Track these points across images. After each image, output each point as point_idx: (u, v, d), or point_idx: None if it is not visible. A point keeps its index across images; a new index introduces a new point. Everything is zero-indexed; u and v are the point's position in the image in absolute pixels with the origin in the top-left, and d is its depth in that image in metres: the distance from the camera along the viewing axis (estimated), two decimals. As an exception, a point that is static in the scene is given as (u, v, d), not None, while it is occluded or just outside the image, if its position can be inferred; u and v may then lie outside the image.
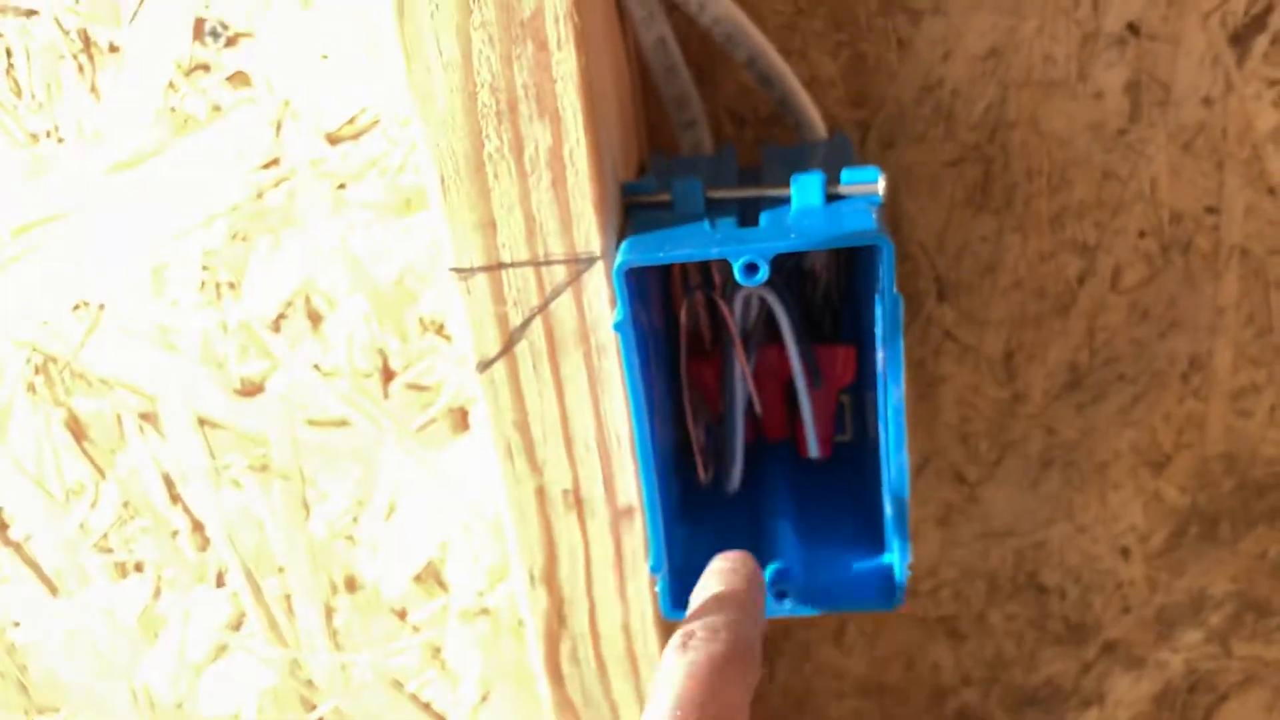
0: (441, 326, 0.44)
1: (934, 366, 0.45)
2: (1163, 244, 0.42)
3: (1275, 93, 0.40)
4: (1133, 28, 0.39)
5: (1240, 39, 0.39)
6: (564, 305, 0.33)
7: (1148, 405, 0.45)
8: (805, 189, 0.32)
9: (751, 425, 0.40)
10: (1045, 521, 0.48)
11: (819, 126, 0.38)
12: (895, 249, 0.31)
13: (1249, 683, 0.51)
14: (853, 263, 0.38)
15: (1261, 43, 0.39)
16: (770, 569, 0.35)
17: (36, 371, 0.46)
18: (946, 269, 0.43)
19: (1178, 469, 0.46)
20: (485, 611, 0.49)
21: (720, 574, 0.31)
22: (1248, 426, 0.45)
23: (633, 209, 0.34)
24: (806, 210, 0.32)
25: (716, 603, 0.30)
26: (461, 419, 0.46)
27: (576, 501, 0.35)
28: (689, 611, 0.30)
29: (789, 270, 0.38)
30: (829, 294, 0.39)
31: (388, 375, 0.45)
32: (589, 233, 0.31)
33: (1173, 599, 0.49)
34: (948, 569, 0.49)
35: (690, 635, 0.28)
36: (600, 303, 0.33)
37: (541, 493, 0.35)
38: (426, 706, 0.52)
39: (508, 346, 0.33)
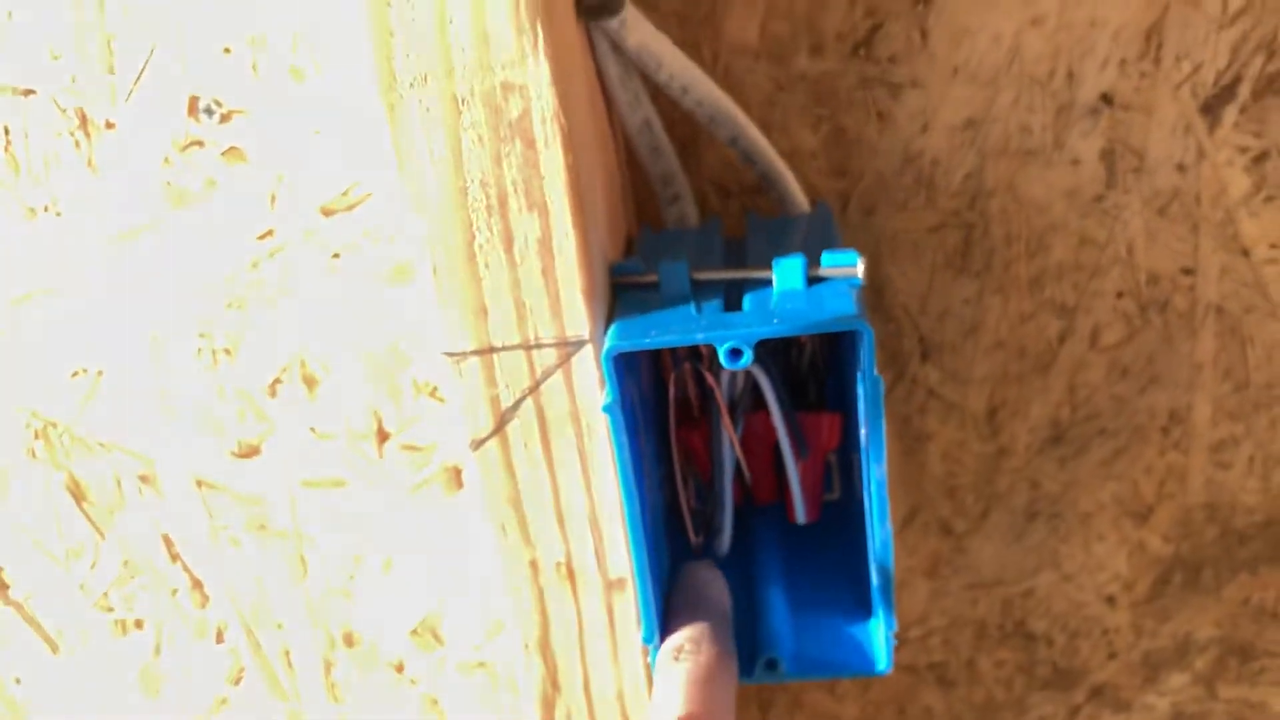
0: (435, 389, 0.45)
1: (920, 423, 0.46)
2: (1141, 304, 0.43)
3: (1246, 159, 0.41)
4: (1106, 98, 0.40)
5: (1211, 108, 0.40)
6: (554, 387, 0.33)
7: (1129, 458, 0.46)
8: (787, 273, 0.33)
9: (741, 489, 0.41)
10: (1031, 571, 0.48)
11: (800, 201, 0.39)
12: (876, 328, 0.32)
13: (1234, 725, 0.52)
14: (836, 335, 0.39)
15: (1231, 112, 0.40)
16: (764, 637, 0.36)
17: (36, 436, 0.47)
18: (930, 330, 0.44)
19: (1160, 519, 0.47)
20: (482, 665, 0.50)
21: (693, 588, 0.36)
22: (1227, 478, 0.46)
23: (621, 289, 0.35)
24: (789, 294, 0.33)
25: (693, 614, 0.34)
26: (455, 478, 0.47)
27: (569, 573, 0.36)
28: (671, 625, 0.34)
29: (775, 340, 0.39)
30: (814, 361, 0.40)
31: (382, 436, 0.46)
32: (578, 318, 0.32)
33: (1158, 644, 0.50)
34: (937, 617, 0.50)
35: (679, 649, 0.33)
36: (590, 383, 0.33)
37: (535, 565, 0.36)
38: (426, 758, 0.52)
39: (499, 426, 0.34)
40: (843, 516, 0.41)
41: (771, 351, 0.38)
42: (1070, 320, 0.44)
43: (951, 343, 0.44)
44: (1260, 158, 0.41)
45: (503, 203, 0.31)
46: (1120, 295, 0.43)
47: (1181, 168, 0.41)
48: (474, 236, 0.31)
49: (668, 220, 0.40)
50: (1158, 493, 0.47)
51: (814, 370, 0.40)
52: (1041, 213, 0.42)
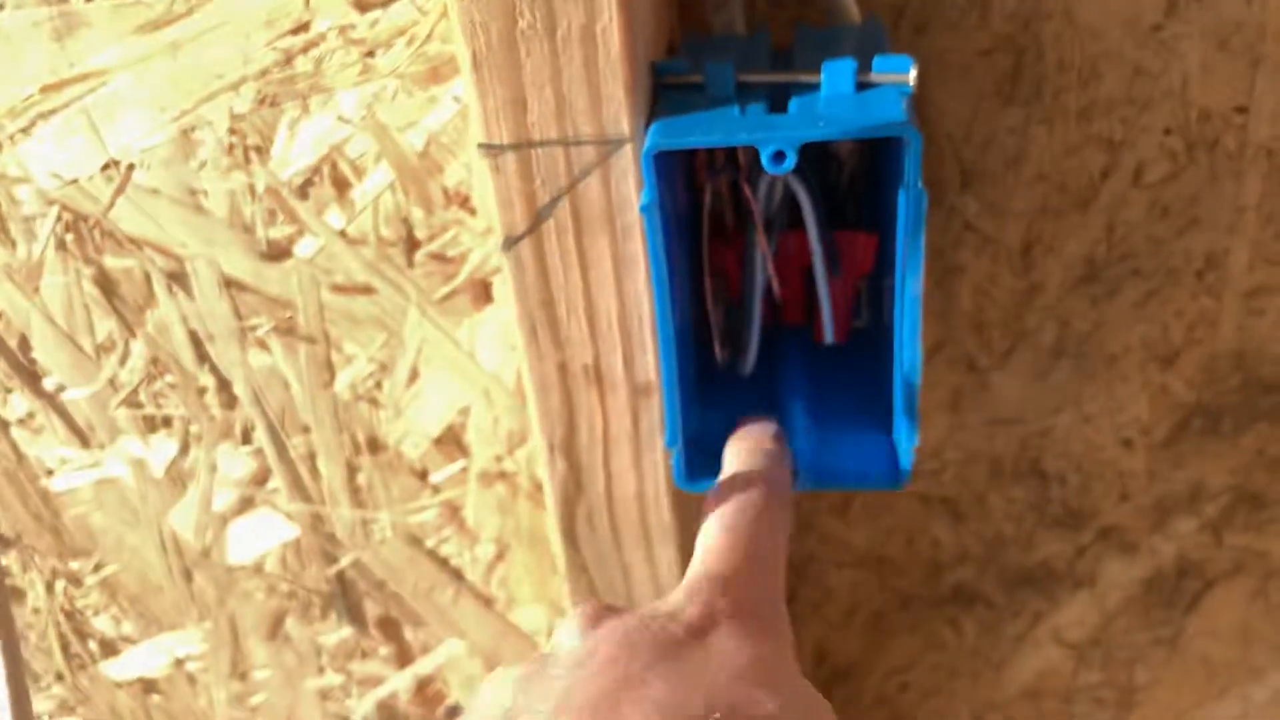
0: (466, 199, 0.44)
1: (953, 255, 0.45)
2: (1188, 142, 0.42)
3: (1317, -9, 0.39)
4: (1177, -82, 0.39)
5: (1286, -66, 0.39)
6: (591, 186, 0.33)
7: (1161, 301, 0.46)
8: (836, 76, 0.32)
9: (769, 309, 0.41)
10: (1052, 410, 0.49)
11: (852, 10, 0.38)
12: (923, 141, 0.32)
13: (1236, 572, 0.53)
14: (879, 150, 0.38)
15: (1307, -61, 0.39)
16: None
17: (67, 229, 0.47)
18: (972, 159, 0.43)
19: (1186, 364, 0.47)
20: (503, 475, 0.51)
21: (750, 435, 0.35)
22: (1259, 325, 0.46)
23: (663, 89, 0.34)
24: (836, 97, 0.32)
25: (751, 454, 0.34)
26: (484, 291, 0.47)
27: (597, 377, 0.36)
28: (726, 467, 0.33)
29: (815, 154, 0.39)
30: (853, 180, 0.39)
31: (412, 245, 0.46)
32: (618, 114, 0.32)
33: (1170, 489, 0.51)
34: (953, 451, 0.50)
35: (733, 483, 0.32)
36: (627, 184, 0.33)
37: (563, 368, 0.36)
38: (444, 562, 0.54)
39: (534, 225, 0.34)
40: (868, 344, 0.42)
41: (810, 166, 0.38)
42: (1115, 155, 0.43)
43: (992, 173, 0.43)
44: (1331, -10, 0.39)
45: (548, -14, 0.30)
46: (1168, 132, 0.42)
47: (1248, -2, 0.40)
48: (517, 21, 0.31)
49: (714, 26, 0.39)
50: (1186, 337, 0.46)
51: (852, 189, 0.40)
52: (1096, 40, 0.40)
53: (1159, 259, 0.45)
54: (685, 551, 0.41)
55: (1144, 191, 0.43)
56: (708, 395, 0.39)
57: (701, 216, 0.38)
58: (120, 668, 0.60)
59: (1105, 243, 0.45)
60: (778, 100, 0.33)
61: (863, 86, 0.33)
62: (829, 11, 0.38)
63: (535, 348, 0.36)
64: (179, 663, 0.59)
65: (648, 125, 0.32)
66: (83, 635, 0.59)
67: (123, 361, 0.50)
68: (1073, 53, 0.41)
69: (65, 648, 0.59)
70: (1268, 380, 0.47)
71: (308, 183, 0.45)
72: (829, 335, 0.39)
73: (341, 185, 0.45)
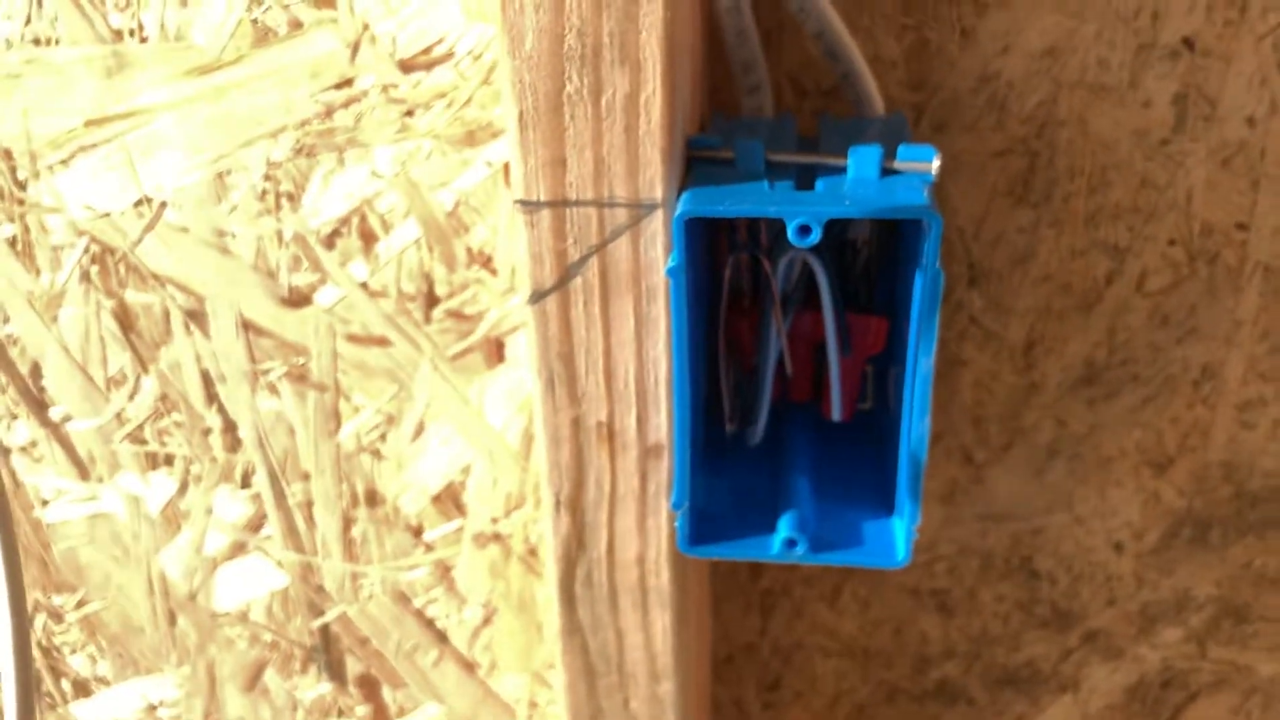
0: (489, 259, 0.46)
1: (956, 349, 0.47)
2: (1190, 254, 0.44)
3: (1317, 119, 0.41)
4: (1188, 42, 0.41)
5: (1290, 64, 0.41)
6: (621, 247, 0.34)
7: (1157, 408, 0.47)
8: (862, 160, 0.34)
9: (779, 385, 0.42)
10: (1045, 509, 0.49)
11: (878, 103, 0.40)
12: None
13: (1220, 685, 0.53)
14: (894, 239, 0.39)
15: (1310, 69, 0.41)
16: (786, 515, 0.37)
17: (93, 261, 0.48)
18: (981, 256, 0.45)
19: (1179, 472, 0.48)
20: (498, 537, 0.51)
21: None
22: (1251, 438, 0.47)
23: (695, 162, 0.36)
24: (861, 180, 0.34)
25: None
26: (497, 351, 0.47)
27: (609, 435, 0.37)
28: None
29: (832, 240, 0.40)
30: (868, 267, 0.41)
31: (431, 301, 0.47)
32: (654, 180, 0.33)
33: (1157, 596, 0.51)
34: (946, 545, 0.51)
35: None
36: (655, 248, 0.34)
37: (577, 423, 0.37)
38: (430, 624, 0.54)
39: (563, 280, 0.35)
40: (873, 425, 0.42)
41: (828, 251, 0.39)
42: (1120, 262, 0.44)
43: (1000, 271, 0.45)
44: (1330, 120, 0.41)
45: (597, 54, 0.31)
46: (1172, 243, 0.44)
47: (1251, 121, 0.41)
48: (564, 85, 0.32)
49: (744, 110, 0.40)
50: (1180, 445, 0.48)
51: (866, 275, 0.41)
52: (1107, 150, 0.42)
53: (1157, 366, 0.46)
54: (681, 617, 0.42)
55: (1146, 299, 0.45)
56: (714, 464, 0.40)
57: (719, 290, 0.40)
58: (91, 711, 0.59)
59: (1106, 346, 0.46)
60: (804, 179, 0.35)
61: (887, 172, 0.34)
62: (854, 103, 0.40)
63: (551, 401, 0.37)
64: (151, 708, 0.58)
65: (679, 194, 0.34)
66: (56, 673, 0.58)
67: (132, 396, 0.50)
68: (1084, 160, 0.43)
69: (37, 686, 0.58)
70: (1257, 493, 0.48)
71: (335, 233, 0.46)
72: (837, 413, 0.40)
73: (368, 238, 0.46)
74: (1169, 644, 0.52)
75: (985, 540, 0.51)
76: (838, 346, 0.38)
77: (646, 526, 0.38)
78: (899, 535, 0.37)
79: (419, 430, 0.49)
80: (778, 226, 0.37)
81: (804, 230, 0.32)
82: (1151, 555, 0.50)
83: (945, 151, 0.43)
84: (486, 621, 0.53)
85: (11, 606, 0.35)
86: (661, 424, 0.37)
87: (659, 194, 0.33)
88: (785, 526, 0.37)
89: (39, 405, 0.51)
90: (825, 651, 0.55)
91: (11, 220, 0.47)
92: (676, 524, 0.37)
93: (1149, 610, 0.52)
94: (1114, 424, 0.47)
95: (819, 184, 0.34)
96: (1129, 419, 0.47)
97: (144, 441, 0.51)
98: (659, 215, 0.34)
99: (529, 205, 0.34)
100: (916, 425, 0.35)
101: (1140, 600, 0.51)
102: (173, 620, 0.55)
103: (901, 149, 0.34)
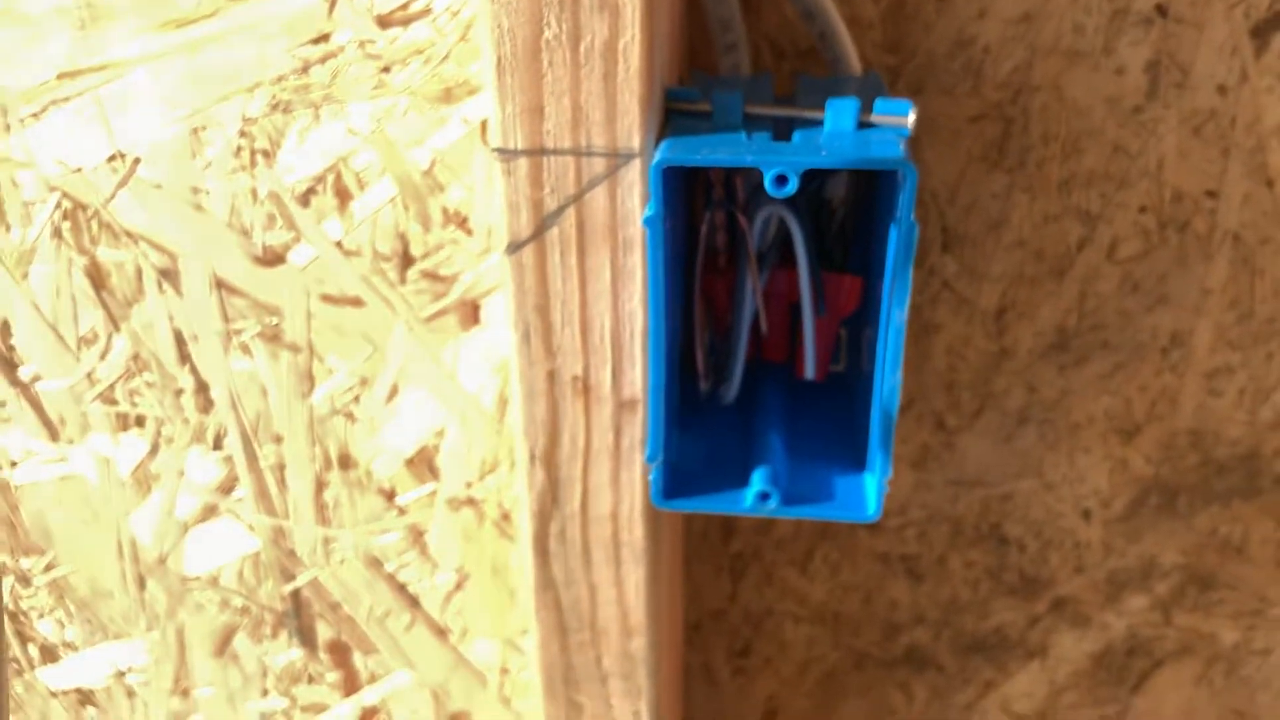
0: (465, 219, 0.45)
1: (930, 314, 0.47)
2: (1161, 221, 0.44)
3: (1286, 87, 0.42)
4: (1161, 9, 0.41)
5: (1261, 32, 0.41)
6: (598, 197, 0.34)
7: (1126, 375, 0.47)
8: (839, 113, 0.34)
9: (753, 343, 0.42)
10: (1014, 475, 0.50)
11: (855, 63, 0.40)
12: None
13: (1184, 653, 0.54)
14: (870, 197, 0.40)
15: (1280, 38, 0.41)
16: (759, 470, 0.37)
17: (65, 217, 0.47)
18: (955, 221, 0.45)
19: (1146, 439, 0.49)
20: (471, 502, 0.51)
21: None
22: (1218, 405, 0.48)
23: (672, 114, 0.36)
24: (838, 133, 0.34)
25: None
26: (472, 313, 0.47)
27: (584, 389, 0.37)
28: None
29: (808, 200, 0.40)
30: (843, 226, 0.41)
31: (406, 261, 0.47)
32: (631, 129, 0.33)
33: (1124, 564, 0.52)
34: (916, 510, 0.51)
35: None
36: (632, 199, 0.34)
37: (552, 376, 0.37)
38: (402, 588, 0.54)
39: (539, 231, 0.35)
40: (845, 386, 0.43)
41: (804, 210, 0.39)
42: (1092, 228, 0.45)
43: (973, 236, 0.45)
44: (1300, 88, 0.42)
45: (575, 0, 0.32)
46: (1143, 210, 0.44)
47: (1223, 89, 0.42)
48: (543, 31, 0.32)
49: (722, 69, 0.40)
50: (1148, 413, 0.48)
51: (841, 234, 0.41)
52: (1081, 116, 0.43)
53: (1127, 333, 0.47)
54: (654, 574, 0.42)
55: (1117, 266, 0.45)
56: (688, 421, 0.40)
57: (695, 248, 0.40)
58: (58, 676, 0.59)
59: (1077, 312, 0.46)
60: (782, 132, 0.35)
61: (863, 126, 0.34)
62: (831, 63, 0.40)
63: (526, 354, 0.37)
64: (120, 674, 0.58)
65: (657, 144, 0.34)
66: (23, 638, 0.58)
67: (103, 356, 0.50)
68: (1058, 126, 0.43)
69: (2, 651, 0.58)
70: (1223, 461, 0.49)
71: (310, 191, 0.46)
72: (811, 371, 0.40)
73: (343, 196, 0.46)
74: (1135, 611, 0.53)
75: (955, 506, 0.51)
76: (812, 304, 0.39)
77: (620, 481, 0.39)
78: (870, 489, 0.37)
79: (393, 393, 0.49)
80: (754, 182, 0.38)
81: (781, 180, 0.32)
82: (1119, 523, 0.51)
83: (921, 115, 0.43)
84: (459, 587, 0.53)
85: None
86: (636, 378, 0.37)
87: (636, 143, 0.33)
88: (758, 480, 0.37)
89: (8, 365, 0.50)
90: (795, 617, 0.55)
91: (-18, 174, 0.46)
92: (651, 477, 0.37)
93: (1116, 578, 0.52)
94: (1083, 390, 0.48)
95: (796, 135, 0.34)
96: (1098, 386, 0.48)
97: (115, 402, 0.51)
98: (636, 165, 0.34)
99: (506, 154, 0.34)
100: (889, 379, 0.35)
101: (1107, 568, 0.52)
102: (142, 584, 0.55)
103: (878, 102, 0.34)
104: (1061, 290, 0.46)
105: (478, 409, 0.49)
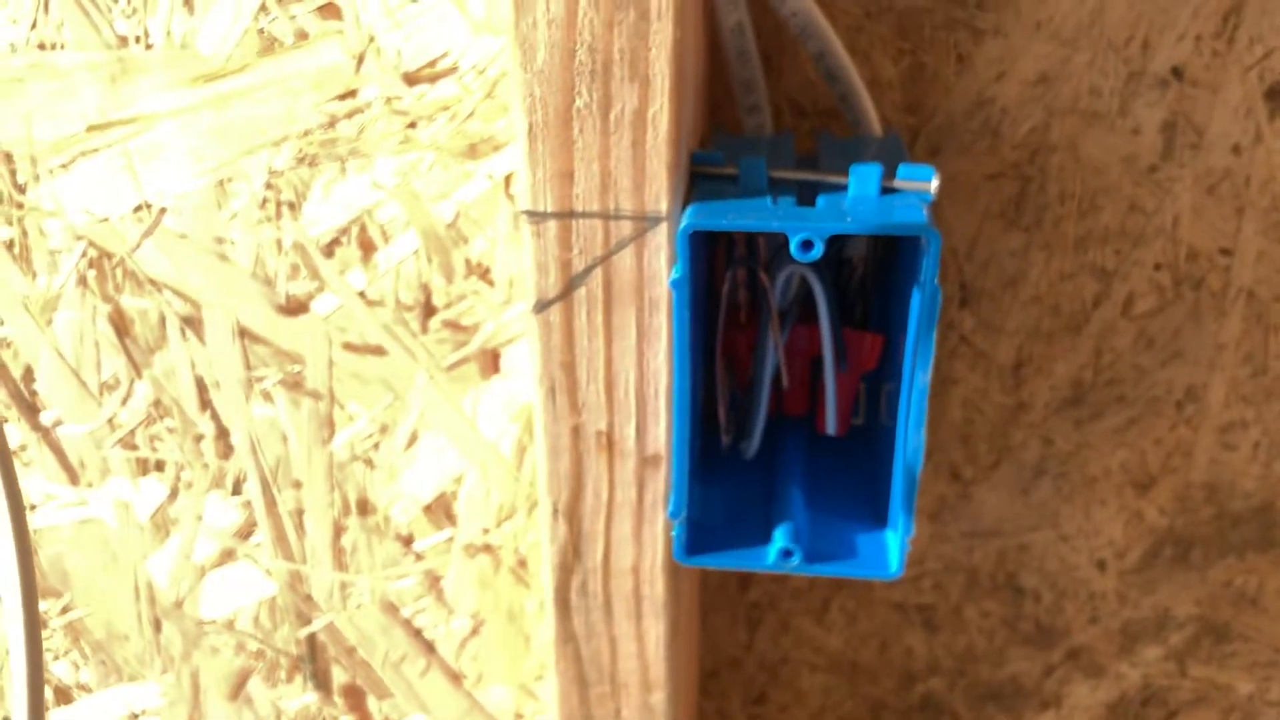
0: (487, 271, 0.46)
1: (947, 367, 0.47)
2: (1176, 278, 0.45)
3: (1300, 149, 0.43)
4: (1176, 72, 0.42)
5: (1275, 94, 0.42)
6: (625, 259, 0.35)
7: (1141, 429, 0.48)
8: (863, 178, 0.34)
9: (774, 398, 0.42)
10: (1030, 527, 0.50)
11: (875, 124, 0.41)
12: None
13: (1198, 703, 0.54)
14: (890, 258, 0.40)
15: (1294, 101, 0.42)
16: (781, 527, 0.37)
17: (90, 265, 0.48)
18: (972, 276, 0.46)
19: (1161, 492, 0.49)
20: (488, 549, 0.51)
21: None
22: (1232, 459, 0.48)
23: (698, 178, 0.36)
24: (862, 198, 0.34)
25: None
26: (493, 362, 0.48)
27: (608, 444, 0.38)
28: None
29: (830, 258, 0.41)
30: (864, 284, 0.41)
31: (428, 311, 0.47)
32: (659, 194, 0.34)
33: (1139, 615, 0.52)
34: (932, 561, 0.52)
35: None
36: (659, 260, 0.35)
37: (577, 431, 0.37)
38: (418, 633, 0.54)
39: (567, 290, 0.35)
40: (865, 440, 0.43)
41: (825, 266, 0.40)
42: (1107, 285, 0.45)
43: (990, 292, 0.46)
44: (1313, 150, 0.42)
45: (607, 70, 0.32)
46: (1158, 267, 0.45)
47: (1237, 149, 0.43)
48: (574, 100, 0.33)
49: (745, 129, 0.41)
50: (1163, 466, 0.48)
51: (862, 292, 0.42)
52: (1097, 175, 0.43)
53: (1142, 388, 0.47)
54: (674, 627, 0.42)
55: (1132, 322, 0.46)
56: (709, 476, 0.41)
57: (717, 305, 0.40)
58: (72, 718, 0.59)
59: (1092, 367, 0.47)
60: (805, 196, 0.35)
61: (886, 191, 0.35)
62: (852, 123, 0.41)
63: (551, 409, 0.37)
64: (133, 717, 0.58)
65: (684, 207, 0.34)
66: (39, 680, 0.58)
67: (124, 401, 0.50)
68: (1074, 185, 0.44)
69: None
70: (1237, 514, 0.49)
71: (334, 242, 0.46)
72: (832, 426, 0.41)
73: (367, 248, 0.46)
74: (1150, 662, 0.53)
75: (971, 557, 0.51)
76: (834, 362, 0.39)
77: (643, 536, 0.39)
78: (892, 546, 0.37)
79: (412, 439, 0.50)
80: (776, 242, 0.38)
81: (807, 245, 0.32)
82: (1134, 574, 0.51)
83: (940, 173, 0.44)
84: (474, 632, 0.54)
85: (26, 632, 0.35)
86: (660, 435, 0.37)
87: (664, 207, 0.34)
88: (781, 537, 0.37)
89: (30, 409, 0.51)
90: (811, 666, 0.55)
91: (10, 223, 0.47)
92: (674, 533, 0.37)
93: (1130, 628, 0.52)
94: (1099, 444, 0.48)
95: (820, 200, 0.35)
96: (1114, 439, 0.48)
97: (135, 447, 0.51)
98: (664, 228, 0.34)
99: (536, 216, 0.34)
100: (912, 438, 0.35)
101: (1122, 618, 0.52)
102: (158, 627, 0.55)
103: (901, 168, 0.35)
104: (1077, 345, 0.47)
105: (496, 456, 0.49)
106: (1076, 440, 0.48)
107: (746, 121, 0.41)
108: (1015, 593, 0.52)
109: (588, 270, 0.35)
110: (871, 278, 0.41)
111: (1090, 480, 0.49)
